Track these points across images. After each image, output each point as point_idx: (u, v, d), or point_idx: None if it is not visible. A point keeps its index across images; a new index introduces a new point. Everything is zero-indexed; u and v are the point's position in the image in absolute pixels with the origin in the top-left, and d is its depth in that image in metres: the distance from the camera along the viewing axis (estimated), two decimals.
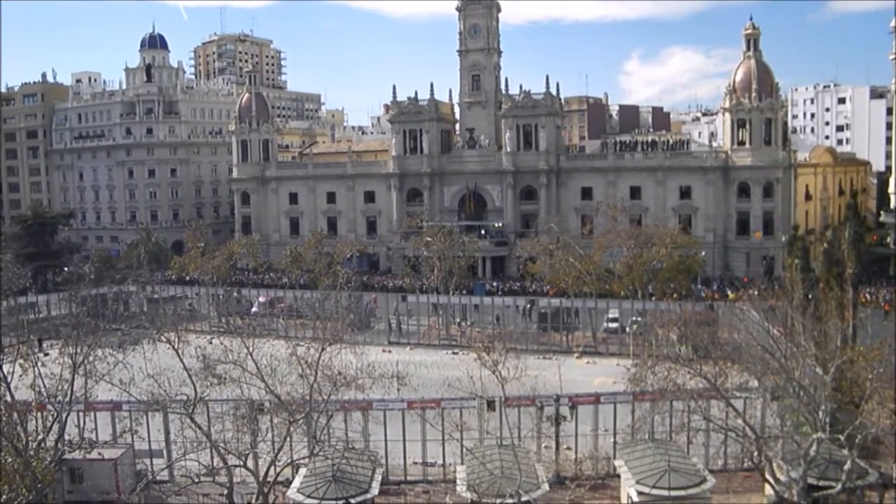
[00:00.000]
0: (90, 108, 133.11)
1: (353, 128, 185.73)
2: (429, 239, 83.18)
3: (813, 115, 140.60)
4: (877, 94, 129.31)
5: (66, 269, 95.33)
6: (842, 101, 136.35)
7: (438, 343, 65.85)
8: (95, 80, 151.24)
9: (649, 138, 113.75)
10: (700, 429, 33.15)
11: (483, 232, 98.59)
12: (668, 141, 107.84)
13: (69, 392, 31.06)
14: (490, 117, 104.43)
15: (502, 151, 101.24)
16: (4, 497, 26.40)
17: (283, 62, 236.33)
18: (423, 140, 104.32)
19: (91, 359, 32.46)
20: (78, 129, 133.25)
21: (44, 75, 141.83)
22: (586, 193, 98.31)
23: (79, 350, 31.98)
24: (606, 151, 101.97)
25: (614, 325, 65.01)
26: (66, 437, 31.84)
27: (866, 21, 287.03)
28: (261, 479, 30.77)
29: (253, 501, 32.12)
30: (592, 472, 36.06)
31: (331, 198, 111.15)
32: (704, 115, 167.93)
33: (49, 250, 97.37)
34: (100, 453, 32.94)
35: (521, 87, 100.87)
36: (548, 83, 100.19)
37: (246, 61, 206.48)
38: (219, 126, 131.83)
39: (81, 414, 33.12)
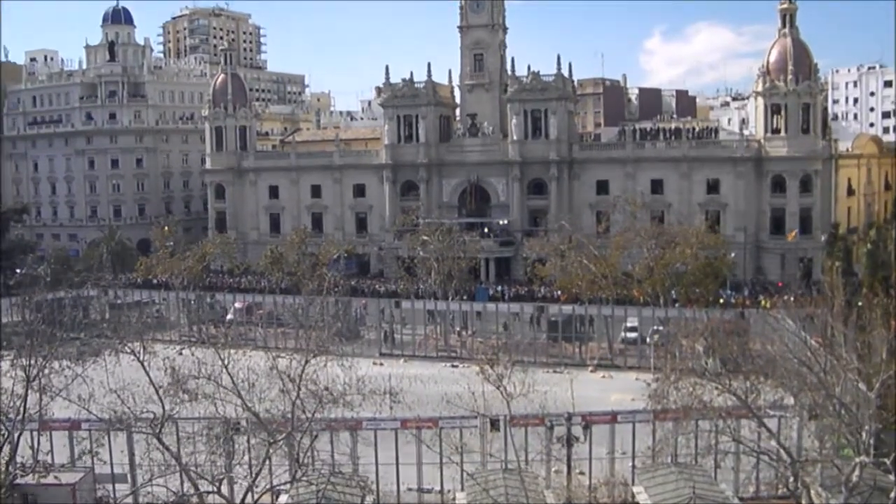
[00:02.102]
0: (46, 90, 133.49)
1: (340, 113, 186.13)
2: (425, 238, 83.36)
3: (856, 100, 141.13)
4: None
5: (18, 270, 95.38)
6: (888, 84, 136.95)
7: (436, 355, 65.95)
8: (52, 59, 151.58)
9: (673, 125, 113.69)
10: (729, 451, 33.21)
11: (486, 230, 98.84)
12: (693, 128, 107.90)
13: (22, 409, 31.07)
14: (494, 101, 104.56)
15: (508, 140, 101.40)
16: None
17: (262, 39, 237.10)
18: (419, 127, 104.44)
19: (46, 372, 32.46)
20: (32, 114, 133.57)
21: None
22: (602, 187, 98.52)
23: (33, 362, 31.98)
24: (625, 140, 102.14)
25: (633, 334, 65.03)
26: (19, 460, 31.86)
27: None
28: None
29: None
30: (608, 499, 36.08)
31: (315, 191, 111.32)
32: (734, 99, 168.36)
33: None
34: (56, 477, 32.89)
35: (529, 67, 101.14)
36: (559, 63, 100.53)
37: (221, 38, 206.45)
38: (190, 111, 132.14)
39: (36, 433, 33.10)
